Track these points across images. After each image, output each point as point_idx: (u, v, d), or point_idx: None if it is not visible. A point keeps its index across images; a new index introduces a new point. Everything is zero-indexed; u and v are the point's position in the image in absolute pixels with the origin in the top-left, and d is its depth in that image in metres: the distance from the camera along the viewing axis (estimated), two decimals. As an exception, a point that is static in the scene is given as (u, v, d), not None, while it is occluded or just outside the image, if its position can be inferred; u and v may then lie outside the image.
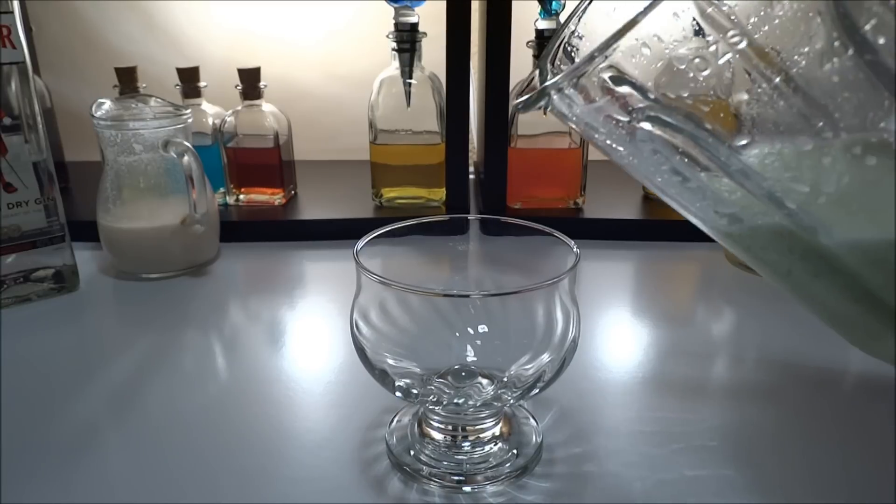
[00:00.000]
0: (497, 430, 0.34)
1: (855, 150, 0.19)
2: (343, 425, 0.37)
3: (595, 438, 0.36)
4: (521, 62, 0.64)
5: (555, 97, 0.24)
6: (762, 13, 0.20)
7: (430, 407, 0.33)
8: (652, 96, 0.22)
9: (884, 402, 0.39)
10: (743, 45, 0.20)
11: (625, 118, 0.23)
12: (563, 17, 0.63)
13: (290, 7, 0.82)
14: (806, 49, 0.20)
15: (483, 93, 0.65)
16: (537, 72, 0.30)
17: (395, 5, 0.62)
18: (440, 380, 0.32)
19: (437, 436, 0.34)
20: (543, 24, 0.64)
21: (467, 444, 0.33)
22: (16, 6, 0.46)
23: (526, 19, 0.64)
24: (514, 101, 0.26)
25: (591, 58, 0.21)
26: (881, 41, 0.18)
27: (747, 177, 0.22)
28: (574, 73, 0.22)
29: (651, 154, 0.24)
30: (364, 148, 0.69)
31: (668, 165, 0.24)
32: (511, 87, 0.63)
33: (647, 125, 0.22)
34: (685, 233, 0.63)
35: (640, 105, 0.22)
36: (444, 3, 0.60)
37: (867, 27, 0.18)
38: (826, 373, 0.43)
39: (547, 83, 0.23)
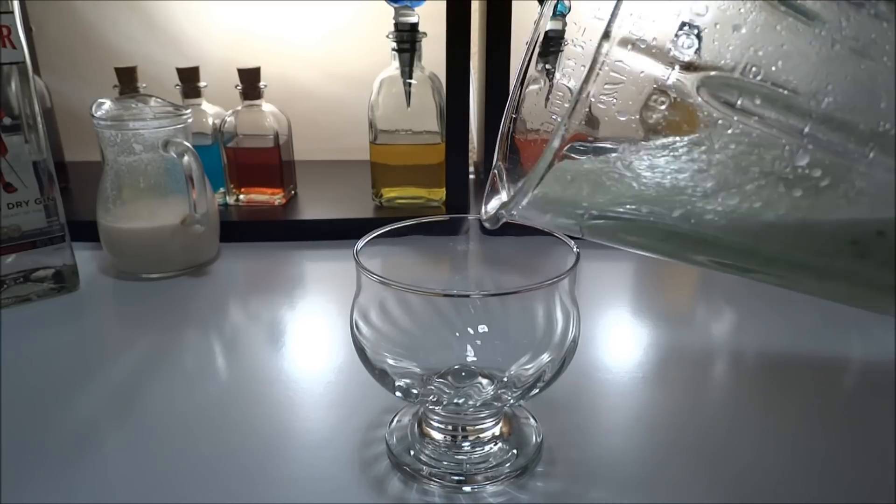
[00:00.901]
0: (497, 430, 0.34)
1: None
2: (343, 425, 0.37)
3: (595, 438, 0.36)
4: (521, 62, 0.64)
5: (507, 216, 0.27)
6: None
7: (430, 407, 0.33)
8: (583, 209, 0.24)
9: (884, 401, 0.39)
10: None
11: (573, 221, 0.26)
12: (567, 18, 0.63)
13: (290, 7, 0.82)
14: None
15: (483, 93, 0.65)
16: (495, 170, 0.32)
17: (395, 5, 0.62)
18: (440, 380, 0.32)
19: (437, 436, 0.34)
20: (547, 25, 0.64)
21: (467, 444, 0.33)
22: (16, 6, 0.46)
23: (526, 19, 0.64)
24: (482, 216, 0.30)
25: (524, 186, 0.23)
26: (757, 100, 0.21)
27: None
28: (519, 196, 0.24)
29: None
30: (364, 148, 0.69)
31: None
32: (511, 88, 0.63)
33: (595, 221, 0.25)
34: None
35: (579, 211, 0.25)
36: (444, 3, 0.60)
37: (739, 101, 0.21)
38: (826, 372, 0.43)
39: (500, 209, 0.27)
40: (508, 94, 0.66)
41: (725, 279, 0.57)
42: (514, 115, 0.33)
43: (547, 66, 0.33)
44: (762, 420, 0.38)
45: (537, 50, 0.32)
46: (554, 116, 0.33)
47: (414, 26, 0.62)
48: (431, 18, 0.62)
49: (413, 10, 0.62)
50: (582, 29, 0.32)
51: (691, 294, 0.57)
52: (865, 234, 0.21)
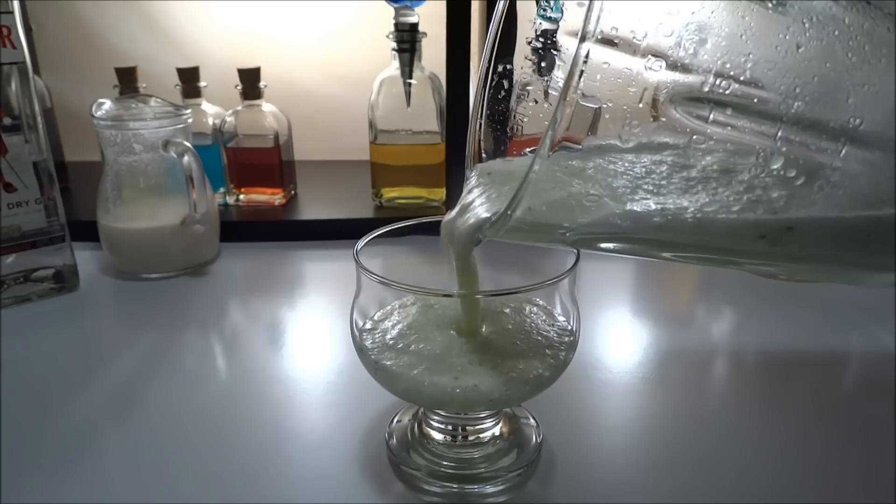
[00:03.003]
0: (497, 430, 0.34)
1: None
2: (343, 425, 0.37)
3: (595, 438, 0.36)
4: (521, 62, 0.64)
5: (486, 237, 0.28)
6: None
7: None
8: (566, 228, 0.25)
9: (884, 401, 0.39)
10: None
11: (555, 239, 0.26)
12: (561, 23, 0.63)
13: (290, 7, 0.82)
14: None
15: (483, 93, 0.65)
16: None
17: (395, 5, 0.62)
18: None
19: (437, 436, 0.34)
20: (545, 26, 0.64)
21: (467, 444, 0.33)
22: (16, 6, 0.46)
23: (526, 19, 0.64)
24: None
25: (502, 215, 0.24)
26: (728, 111, 0.22)
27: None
28: (496, 224, 0.25)
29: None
30: (364, 148, 0.69)
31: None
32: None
33: (576, 237, 0.25)
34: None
35: (561, 231, 0.25)
36: (444, 3, 0.60)
37: (712, 115, 0.22)
38: (826, 372, 0.43)
39: (480, 236, 0.28)
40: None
41: (725, 279, 0.57)
42: (480, 121, 0.33)
43: (508, 67, 0.33)
44: (762, 420, 0.38)
45: (495, 53, 0.33)
46: (522, 117, 0.33)
47: (414, 26, 0.62)
48: (431, 18, 0.62)
49: (413, 10, 0.62)
50: (538, 25, 0.32)
51: (691, 294, 0.57)
52: (773, 229, 0.22)
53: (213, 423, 0.37)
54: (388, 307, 0.33)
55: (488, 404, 0.29)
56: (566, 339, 0.31)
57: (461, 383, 0.28)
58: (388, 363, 0.29)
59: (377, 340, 0.31)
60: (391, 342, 0.31)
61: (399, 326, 0.32)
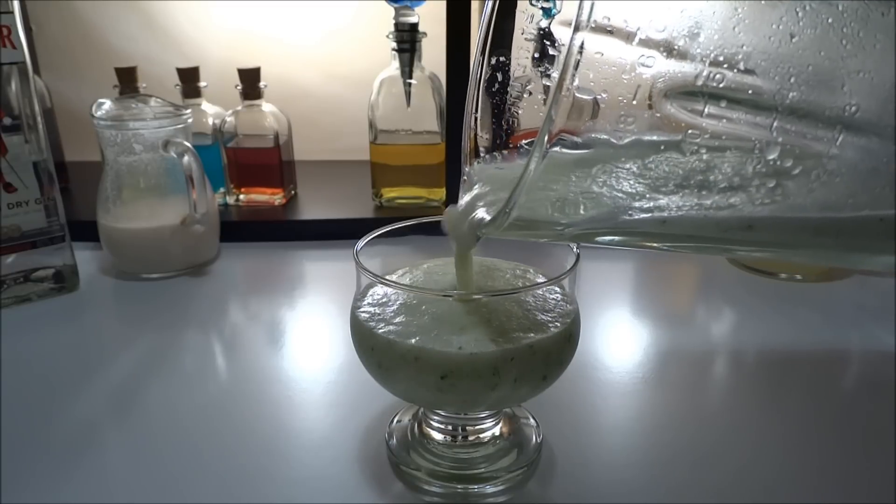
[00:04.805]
0: (497, 431, 0.34)
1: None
2: (343, 425, 0.37)
3: (595, 438, 0.36)
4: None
5: (485, 235, 0.28)
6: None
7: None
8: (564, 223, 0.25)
9: (884, 401, 0.39)
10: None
11: (552, 235, 0.26)
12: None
13: (290, 7, 0.82)
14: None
15: (483, 93, 0.65)
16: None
17: (395, 5, 0.62)
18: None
19: (437, 436, 0.34)
20: (545, 23, 0.64)
21: (467, 444, 0.33)
22: (16, 6, 0.46)
23: (522, 11, 0.64)
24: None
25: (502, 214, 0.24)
26: (723, 104, 0.22)
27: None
28: (495, 222, 0.25)
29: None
30: (364, 148, 0.69)
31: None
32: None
33: (575, 232, 0.25)
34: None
35: (559, 228, 0.25)
36: (444, 3, 0.60)
37: (706, 108, 0.22)
38: (826, 372, 0.43)
39: (479, 234, 0.28)
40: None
41: (725, 279, 0.57)
42: (475, 116, 0.33)
43: (501, 59, 0.33)
44: (762, 420, 0.38)
45: (488, 49, 0.33)
46: (515, 110, 0.33)
47: (414, 26, 0.62)
48: (431, 18, 0.63)
49: (413, 10, 0.62)
50: (533, 17, 0.32)
51: (691, 294, 0.57)
52: (735, 225, 0.22)
53: (213, 423, 0.37)
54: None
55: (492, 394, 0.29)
56: (569, 306, 0.31)
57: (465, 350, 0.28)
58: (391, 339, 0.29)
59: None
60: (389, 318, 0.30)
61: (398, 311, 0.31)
